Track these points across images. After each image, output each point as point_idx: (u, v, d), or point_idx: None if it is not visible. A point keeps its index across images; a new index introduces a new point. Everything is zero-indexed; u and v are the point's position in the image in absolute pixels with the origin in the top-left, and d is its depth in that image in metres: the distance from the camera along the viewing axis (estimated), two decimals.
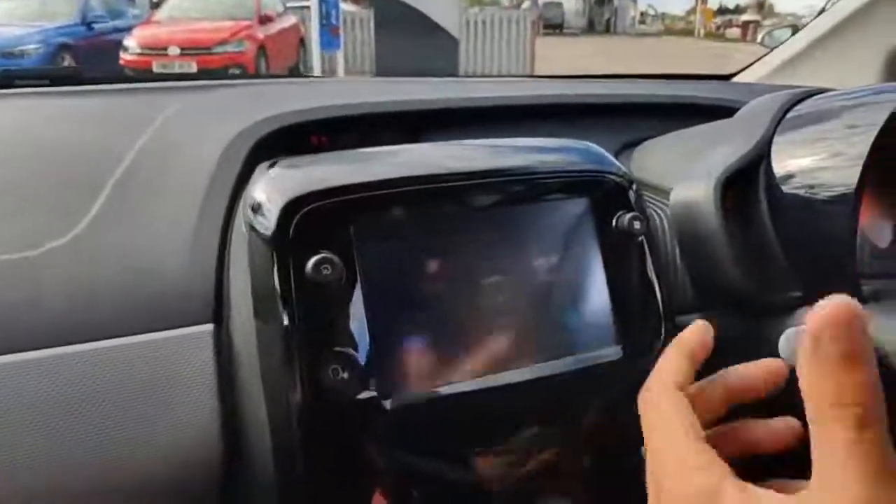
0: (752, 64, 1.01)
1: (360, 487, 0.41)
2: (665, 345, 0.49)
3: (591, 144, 0.52)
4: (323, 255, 0.39)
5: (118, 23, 7.81)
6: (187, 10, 7.93)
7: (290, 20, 8.52)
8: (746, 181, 0.53)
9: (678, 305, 0.57)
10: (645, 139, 0.70)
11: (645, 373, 0.49)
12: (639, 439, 0.51)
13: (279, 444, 0.41)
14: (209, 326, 0.45)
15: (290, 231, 0.40)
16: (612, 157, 0.52)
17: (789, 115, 0.55)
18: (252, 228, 0.42)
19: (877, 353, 0.41)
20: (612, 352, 0.48)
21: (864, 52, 0.89)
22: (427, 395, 0.41)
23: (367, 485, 0.41)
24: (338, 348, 0.39)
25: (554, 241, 0.47)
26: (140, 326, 0.44)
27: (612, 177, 0.50)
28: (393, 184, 0.43)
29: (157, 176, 0.52)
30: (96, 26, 7.33)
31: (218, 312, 0.45)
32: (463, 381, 0.43)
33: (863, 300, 0.47)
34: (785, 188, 0.51)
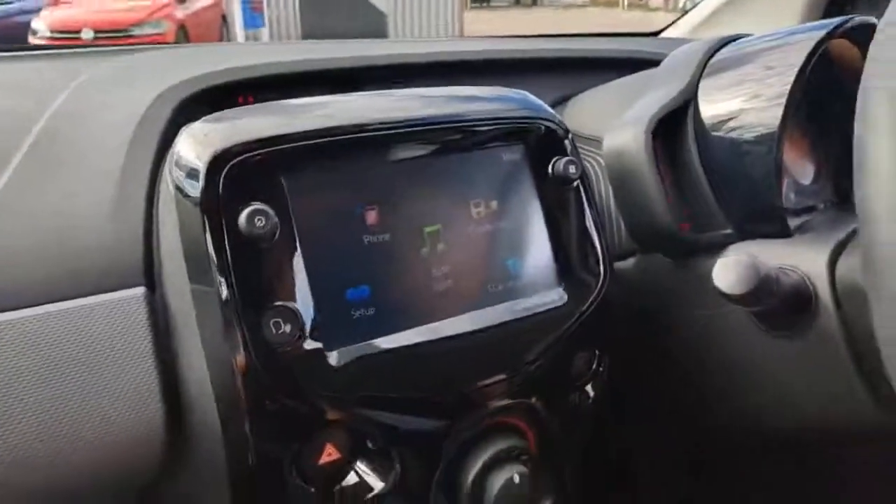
0: (676, 20, 1.04)
1: (310, 442, 0.41)
2: (604, 289, 0.51)
3: (524, 93, 0.52)
4: (255, 206, 0.38)
5: (25, 3, 7.27)
6: None
7: None
8: (675, 125, 0.55)
9: (614, 252, 0.58)
10: (576, 94, 0.71)
11: (586, 316, 0.50)
12: (580, 379, 0.52)
13: (224, 406, 0.40)
14: (140, 290, 0.43)
15: (220, 186, 0.38)
16: (545, 105, 0.52)
17: (713, 59, 0.56)
18: (178, 188, 0.40)
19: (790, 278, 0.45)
20: (555, 296, 0.48)
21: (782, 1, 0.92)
22: (371, 347, 0.41)
23: (317, 439, 0.41)
24: (278, 302, 0.38)
25: (491, 189, 0.47)
26: (64, 292, 0.41)
27: (546, 123, 0.50)
28: (324, 133, 0.41)
29: (74, 139, 0.49)
30: (1, 7, 6.80)
31: (149, 275, 0.43)
32: (407, 330, 0.42)
33: (788, 234, 0.49)
34: (712, 131, 0.53)
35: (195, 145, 0.40)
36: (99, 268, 0.43)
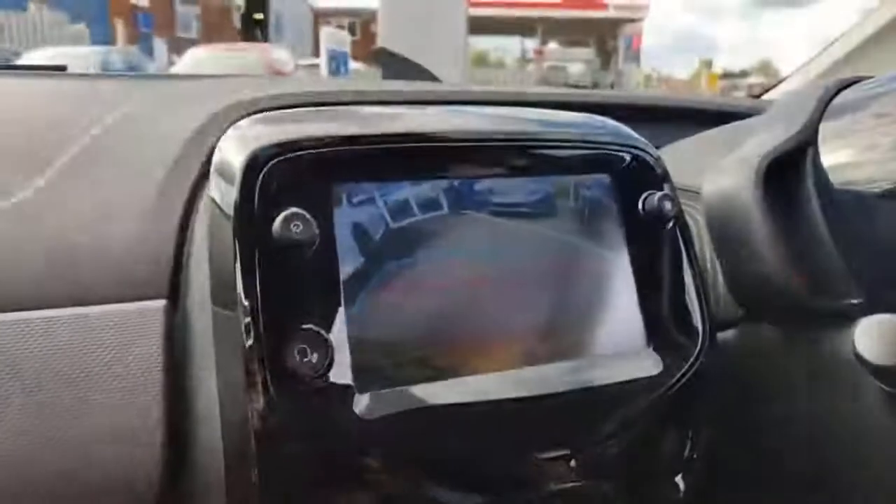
0: (776, 84, 0.96)
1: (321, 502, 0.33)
2: (703, 362, 0.42)
3: (612, 121, 0.46)
4: (293, 210, 0.32)
5: (169, 76, 8.00)
6: (203, 65, 8.15)
7: (303, 77, 8.73)
8: (790, 170, 0.46)
9: (717, 321, 0.49)
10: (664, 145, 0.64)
11: (680, 387, 0.41)
12: (670, 470, 0.42)
13: (231, 442, 0.33)
14: (160, 303, 0.37)
15: (257, 188, 0.33)
16: (636, 134, 0.45)
17: (835, 101, 0.48)
18: (214, 193, 0.35)
19: None
20: (644, 361, 0.40)
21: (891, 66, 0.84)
22: (412, 393, 0.34)
23: (330, 499, 0.33)
24: (307, 325, 0.32)
25: (569, 223, 0.40)
26: (82, 297, 0.37)
27: (637, 151, 0.43)
28: (382, 139, 0.36)
29: (121, 150, 0.46)
30: None
31: (174, 287, 0.38)
32: (457, 380, 0.35)
33: None
34: (836, 180, 0.44)
35: (235, 143, 0.35)
36: (122, 275, 0.38)
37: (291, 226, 0.32)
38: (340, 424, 0.32)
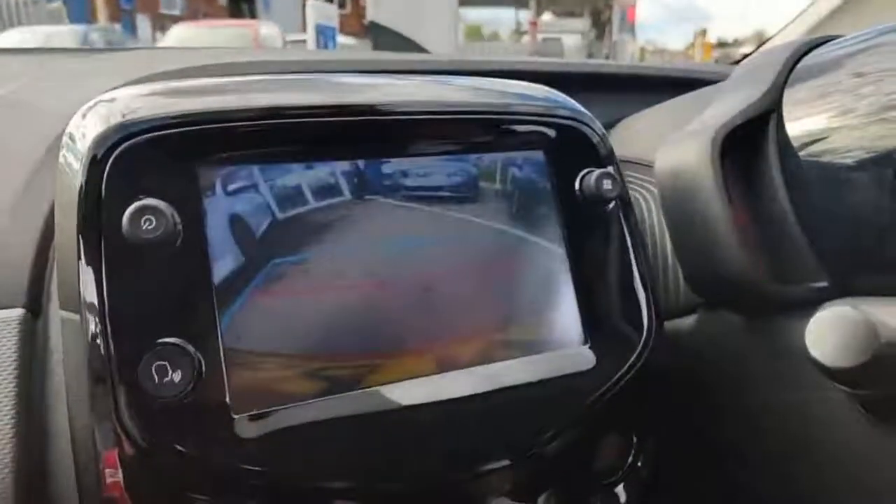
0: (755, 50, 0.91)
1: None
2: (650, 352, 0.37)
3: (547, 88, 0.40)
4: (144, 202, 0.27)
5: (86, 49, 7.81)
6: (189, 42, 7.97)
7: None
8: (752, 142, 0.41)
9: (667, 307, 0.44)
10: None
11: (621, 386, 0.36)
12: (608, 474, 0.38)
13: (86, 487, 0.28)
14: (16, 312, 0.32)
15: (104, 175, 0.28)
16: (574, 103, 0.40)
17: (803, 62, 0.43)
18: (63, 179, 0.30)
19: None
20: (579, 357, 0.35)
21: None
22: (302, 412, 0.29)
23: None
24: (166, 339, 0.27)
25: (498, 205, 0.35)
26: None
27: (575, 123, 0.38)
28: (265, 114, 0.31)
29: (2, 129, 0.41)
30: None
31: (35, 295, 0.33)
32: (363, 390, 0.30)
33: None
34: (803, 152, 0.39)
35: (93, 118, 0.30)
36: None
37: (142, 221, 0.27)
38: (212, 451, 0.28)
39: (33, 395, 0.31)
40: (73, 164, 0.29)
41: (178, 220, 0.28)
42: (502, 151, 0.36)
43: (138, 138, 0.28)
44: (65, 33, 7.30)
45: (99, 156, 0.28)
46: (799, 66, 0.42)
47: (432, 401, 0.31)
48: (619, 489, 0.37)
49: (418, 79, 0.37)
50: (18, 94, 0.45)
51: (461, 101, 0.36)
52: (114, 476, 0.27)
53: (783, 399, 0.39)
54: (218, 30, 8.81)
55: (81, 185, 0.28)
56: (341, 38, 8.30)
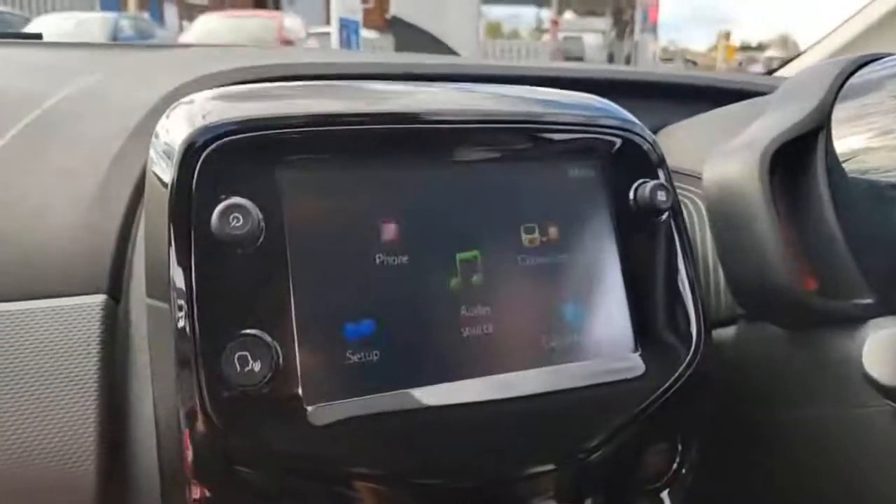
0: (789, 60, 0.91)
1: None
2: (698, 361, 0.38)
3: (605, 101, 0.42)
4: (233, 201, 0.29)
5: (147, 44, 7.93)
6: (214, 33, 8.05)
7: (313, 46, 8.62)
8: (800, 158, 0.42)
9: (714, 317, 0.45)
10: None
11: (670, 395, 0.37)
12: (655, 479, 0.39)
13: (166, 453, 0.30)
14: (99, 298, 0.34)
15: (195, 173, 0.29)
16: (631, 116, 0.41)
17: (851, 80, 0.44)
18: (153, 174, 0.32)
19: None
20: (630, 364, 0.36)
21: None
22: (370, 404, 0.31)
23: None
24: (249, 330, 0.29)
25: (551, 214, 0.37)
26: (16, 290, 0.34)
27: (629, 135, 0.39)
28: (338, 120, 0.32)
29: (73, 124, 0.43)
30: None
31: (115, 282, 0.35)
32: (421, 388, 0.32)
33: None
34: (850, 169, 0.40)
35: (180, 120, 0.32)
36: (63, 267, 0.35)
37: (231, 218, 0.28)
38: (288, 438, 0.29)
39: (115, 378, 0.33)
40: (163, 162, 0.31)
41: (261, 217, 0.29)
42: (559, 161, 0.37)
43: (225, 139, 0.30)
44: (96, 19, 7.40)
45: (189, 156, 0.30)
46: (851, 80, 0.43)
47: (489, 399, 0.33)
48: (664, 495, 0.38)
49: (481, 88, 0.39)
50: (94, 87, 0.47)
51: (528, 112, 0.37)
52: (195, 455, 0.28)
53: (822, 412, 0.40)
54: (242, 20, 8.88)
55: (172, 183, 0.29)
56: (364, 32, 8.33)
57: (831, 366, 0.38)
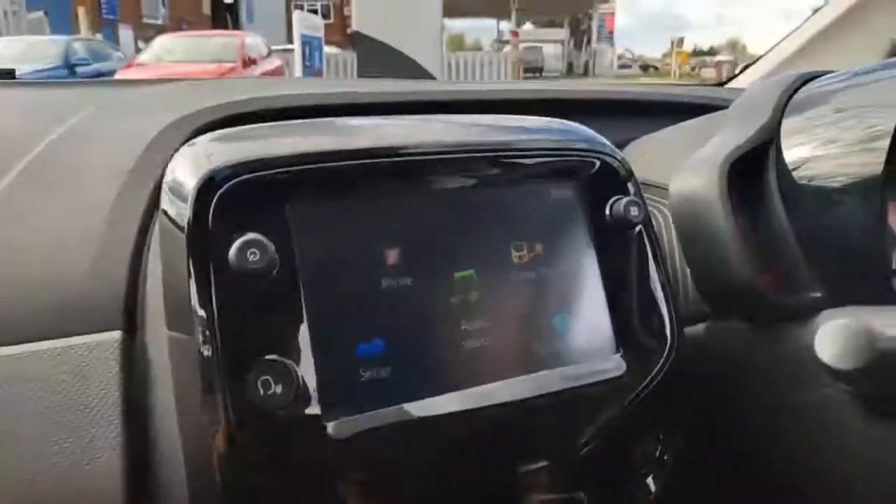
0: (742, 69, 0.97)
1: None
2: (673, 358, 0.42)
3: (578, 125, 0.45)
4: (250, 237, 0.31)
5: (101, 65, 7.81)
6: (171, 53, 7.96)
7: (275, 63, 8.60)
8: (754, 169, 0.46)
9: (685, 315, 0.49)
10: (635, 139, 0.64)
11: (650, 390, 0.41)
12: (640, 468, 0.43)
13: (195, 479, 0.32)
14: (115, 334, 0.36)
15: (211, 212, 0.32)
16: (602, 139, 0.45)
17: (796, 96, 0.49)
18: (166, 213, 0.34)
19: None
20: (612, 365, 0.40)
21: (855, 53, 0.84)
22: (383, 416, 0.33)
23: None
24: (270, 356, 0.31)
25: (537, 231, 0.40)
26: (33, 332, 0.35)
27: (604, 157, 0.43)
28: (340, 156, 0.35)
29: (73, 162, 0.44)
30: (79, 69, 7.32)
31: (130, 317, 0.37)
32: (429, 398, 0.34)
33: (894, 300, 0.40)
34: (798, 177, 0.45)
35: (189, 163, 0.34)
36: (75, 307, 0.37)
37: (248, 254, 0.31)
38: (310, 453, 0.32)
39: (137, 409, 0.35)
40: (177, 203, 0.33)
41: (274, 251, 0.32)
42: (540, 183, 0.41)
43: (235, 179, 0.32)
44: (47, 43, 7.26)
45: (203, 196, 0.32)
46: (796, 97, 0.48)
47: (490, 405, 0.36)
48: (650, 480, 0.41)
49: (471, 119, 0.42)
50: (88, 124, 0.48)
51: (514, 140, 0.41)
52: (224, 475, 0.31)
53: (786, 398, 0.44)
54: (204, 39, 8.81)
55: (189, 222, 0.32)
56: (327, 49, 8.35)
57: (790, 355, 0.42)
